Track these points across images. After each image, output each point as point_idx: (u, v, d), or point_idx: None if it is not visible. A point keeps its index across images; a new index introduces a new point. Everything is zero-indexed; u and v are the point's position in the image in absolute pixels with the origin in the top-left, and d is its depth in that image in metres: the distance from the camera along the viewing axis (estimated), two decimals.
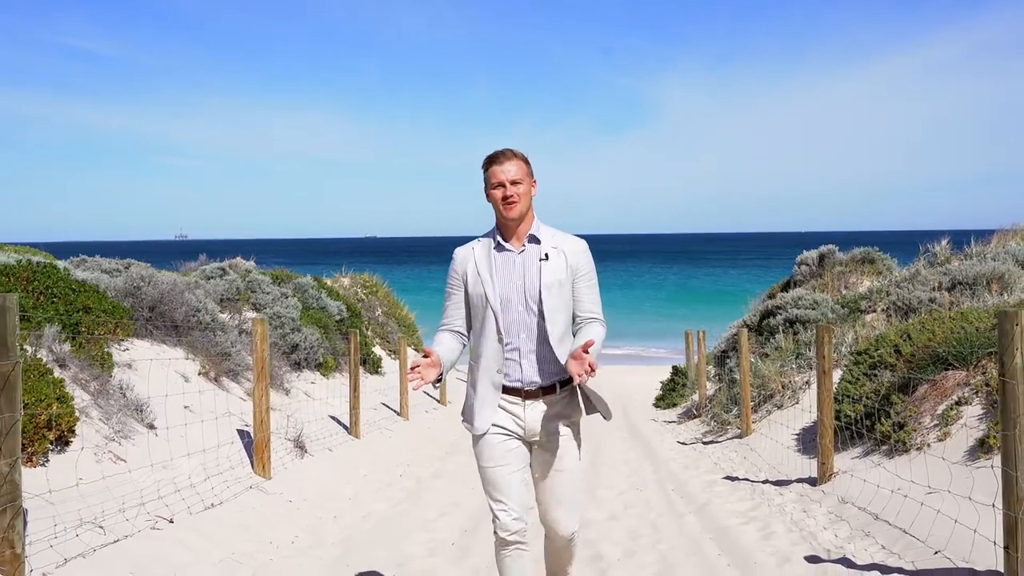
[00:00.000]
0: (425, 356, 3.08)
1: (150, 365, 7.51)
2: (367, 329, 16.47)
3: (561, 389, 3.27)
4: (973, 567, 4.02)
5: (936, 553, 4.34)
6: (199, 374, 8.59)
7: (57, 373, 6.05)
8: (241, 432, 7.35)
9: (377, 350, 16.00)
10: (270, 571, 4.64)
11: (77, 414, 5.62)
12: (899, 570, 4.28)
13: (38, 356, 6.13)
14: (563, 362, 3.17)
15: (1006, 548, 3.72)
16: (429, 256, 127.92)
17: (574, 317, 3.32)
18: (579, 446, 3.34)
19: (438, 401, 14.84)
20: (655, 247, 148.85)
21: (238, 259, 16.84)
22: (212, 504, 5.52)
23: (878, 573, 4.28)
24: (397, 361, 16.11)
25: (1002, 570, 3.77)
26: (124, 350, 7.99)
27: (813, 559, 4.71)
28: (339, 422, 9.72)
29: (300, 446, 7.72)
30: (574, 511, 3.33)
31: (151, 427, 6.48)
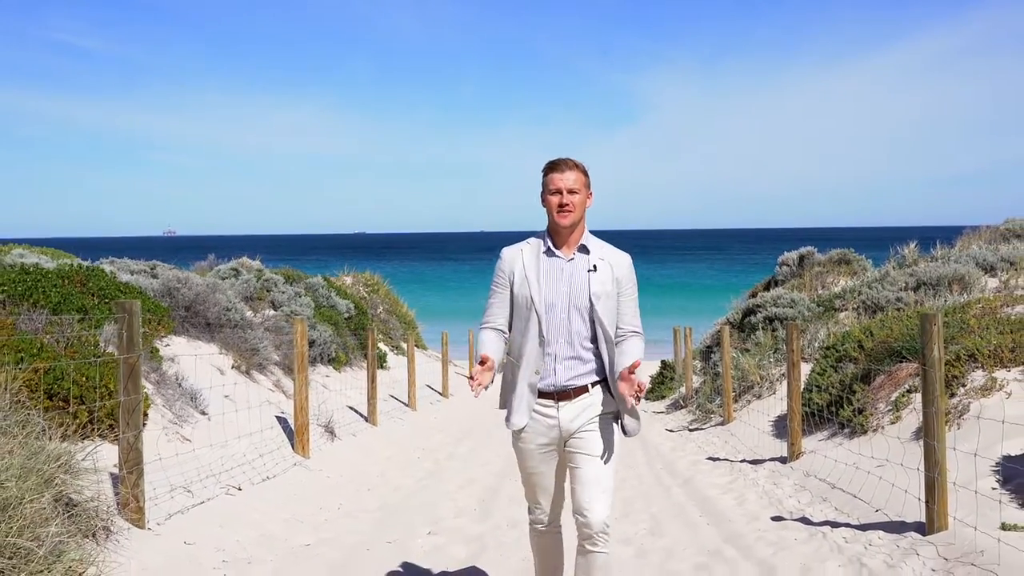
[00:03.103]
0: (482, 363, 3.16)
1: (189, 359, 8.39)
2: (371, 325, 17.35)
3: (593, 388, 3.34)
4: (904, 520, 4.98)
5: (877, 511, 5.29)
6: (232, 367, 9.47)
7: None
8: (279, 418, 8.25)
9: (381, 346, 16.86)
10: (327, 528, 5.56)
11: (148, 401, 6.51)
12: (846, 525, 5.23)
13: (109, 351, 7.00)
14: (614, 367, 3.29)
15: (926, 502, 4.68)
16: (423, 253, 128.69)
17: (616, 329, 3.39)
18: (614, 436, 3.35)
19: (440, 394, 15.77)
20: (649, 243, 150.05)
21: (244, 259, 17.69)
22: (267, 477, 6.44)
23: (828, 527, 5.23)
24: (403, 357, 17.04)
25: (923, 520, 4.73)
26: (166, 345, 8.86)
27: (777, 518, 5.66)
28: (356, 411, 10.62)
29: (330, 431, 8.63)
30: (608, 497, 3.29)
31: (203, 413, 7.37)
